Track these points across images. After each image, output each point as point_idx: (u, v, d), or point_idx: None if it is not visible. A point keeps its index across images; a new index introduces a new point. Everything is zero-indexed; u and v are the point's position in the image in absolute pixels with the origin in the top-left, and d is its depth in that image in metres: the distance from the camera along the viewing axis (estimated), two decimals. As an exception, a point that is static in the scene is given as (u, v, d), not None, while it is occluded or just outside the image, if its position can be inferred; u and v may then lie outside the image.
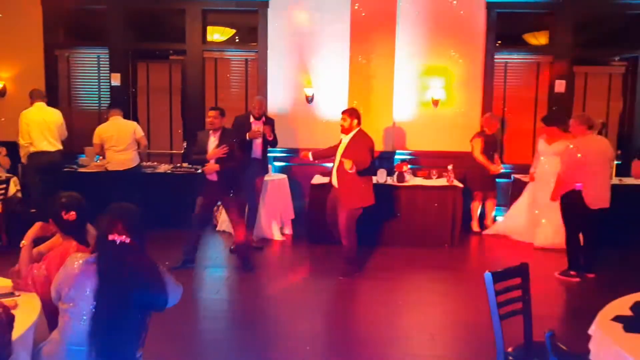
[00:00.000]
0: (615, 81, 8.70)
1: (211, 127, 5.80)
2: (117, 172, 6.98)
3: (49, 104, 7.24)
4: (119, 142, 6.96)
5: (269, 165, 7.34)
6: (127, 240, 2.43)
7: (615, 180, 7.47)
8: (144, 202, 6.94)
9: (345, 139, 5.76)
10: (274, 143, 6.79)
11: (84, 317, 2.40)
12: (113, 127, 7.01)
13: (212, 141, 5.79)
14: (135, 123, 7.25)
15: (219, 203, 6.37)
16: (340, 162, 5.64)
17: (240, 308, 5.14)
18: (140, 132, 7.11)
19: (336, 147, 5.94)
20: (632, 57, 8.38)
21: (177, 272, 5.55)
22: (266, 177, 6.99)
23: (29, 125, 6.83)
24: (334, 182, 5.79)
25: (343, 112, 5.80)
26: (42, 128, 6.86)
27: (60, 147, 7.01)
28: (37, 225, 2.98)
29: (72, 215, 2.88)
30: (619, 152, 8.58)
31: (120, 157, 6.97)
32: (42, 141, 6.84)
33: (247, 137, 6.52)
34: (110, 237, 2.43)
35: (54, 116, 6.98)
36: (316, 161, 6.52)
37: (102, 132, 7.01)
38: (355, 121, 5.73)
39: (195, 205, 5.92)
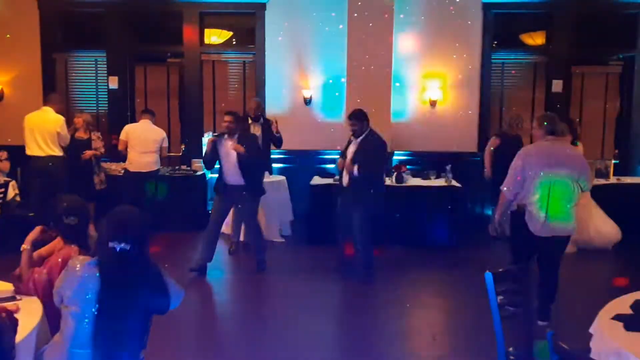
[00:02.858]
0: (612, 81, 8.72)
1: (227, 132, 5.69)
2: (140, 173, 7.09)
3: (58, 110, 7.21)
4: (145, 144, 7.08)
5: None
6: (127, 247, 2.43)
7: (613, 180, 7.51)
8: (152, 204, 7.06)
9: (357, 139, 5.58)
10: (278, 140, 6.78)
11: (86, 320, 2.39)
12: (141, 129, 7.17)
13: (230, 145, 5.67)
14: (164, 132, 7.37)
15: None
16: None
17: (241, 310, 5.14)
18: (166, 142, 7.30)
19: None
20: (629, 57, 8.40)
21: (178, 275, 5.55)
22: (265, 179, 6.99)
23: (24, 129, 6.87)
24: (346, 182, 5.60)
25: (350, 118, 5.60)
26: (34, 132, 6.86)
27: (53, 152, 6.93)
28: (38, 229, 2.98)
29: (73, 219, 2.88)
30: (616, 151, 8.62)
31: (143, 159, 7.08)
32: (31, 145, 6.84)
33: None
34: (111, 244, 2.42)
35: (50, 122, 6.91)
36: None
37: (130, 129, 7.19)
38: (366, 122, 5.56)
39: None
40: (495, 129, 8.21)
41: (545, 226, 4.34)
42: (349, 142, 5.71)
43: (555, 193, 4.30)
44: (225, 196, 5.78)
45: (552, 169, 4.31)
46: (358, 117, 5.54)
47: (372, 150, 5.49)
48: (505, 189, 4.51)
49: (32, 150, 6.87)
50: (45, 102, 7.04)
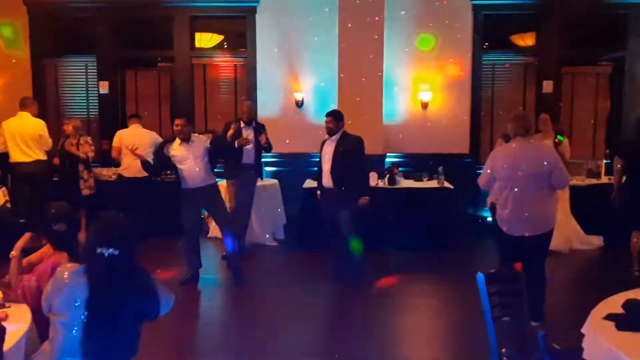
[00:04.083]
0: (603, 81, 8.76)
1: (180, 136, 5.53)
2: (135, 178, 7.07)
3: (38, 113, 7.18)
4: (140, 148, 6.99)
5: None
6: (116, 253, 2.41)
7: (605, 179, 7.54)
8: (147, 210, 7.00)
9: (332, 140, 5.66)
10: (267, 148, 6.76)
11: (75, 328, 2.37)
12: (134, 134, 7.17)
13: (183, 150, 5.55)
14: (155, 134, 7.36)
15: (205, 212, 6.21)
16: (332, 165, 5.55)
17: (234, 315, 5.12)
18: None
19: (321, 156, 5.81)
20: (619, 57, 8.44)
21: (169, 281, 5.52)
22: (258, 183, 6.97)
23: (3, 136, 6.87)
24: (328, 183, 5.66)
25: (328, 115, 5.69)
26: (16, 138, 6.84)
27: (38, 157, 6.94)
28: (27, 235, 2.96)
29: (61, 226, 2.86)
30: (607, 151, 8.65)
31: (139, 164, 7.02)
32: (16, 151, 6.84)
33: (236, 145, 6.47)
34: (99, 250, 2.40)
35: (30, 127, 6.91)
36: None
37: (123, 135, 7.19)
38: (341, 122, 5.68)
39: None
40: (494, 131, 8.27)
41: (515, 225, 4.36)
42: (323, 144, 5.79)
43: (521, 193, 4.30)
44: (190, 201, 5.63)
45: (516, 170, 4.30)
46: (336, 116, 5.67)
47: (351, 147, 5.59)
48: (479, 183, 4.65)
49: (16, 157, 6.86)
50: (21, 107, 7.02)
